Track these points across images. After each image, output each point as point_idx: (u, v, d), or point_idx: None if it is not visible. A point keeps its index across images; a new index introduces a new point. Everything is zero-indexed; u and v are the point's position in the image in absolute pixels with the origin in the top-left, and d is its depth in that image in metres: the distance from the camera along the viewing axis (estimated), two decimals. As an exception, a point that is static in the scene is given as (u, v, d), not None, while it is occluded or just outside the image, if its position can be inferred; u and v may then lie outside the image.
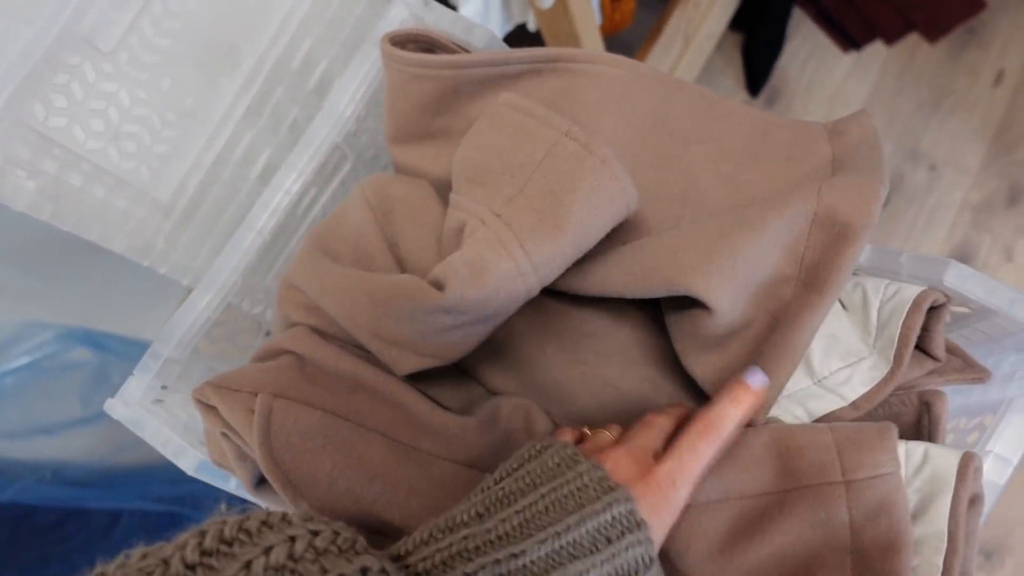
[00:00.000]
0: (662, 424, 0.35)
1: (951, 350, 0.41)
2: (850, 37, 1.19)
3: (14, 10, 0.41)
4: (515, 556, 0.27)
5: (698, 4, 0.97)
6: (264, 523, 0.25)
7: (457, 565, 0.27)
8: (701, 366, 0.38)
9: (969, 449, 0.35)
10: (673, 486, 0.31)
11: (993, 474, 0.38)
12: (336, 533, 0.26)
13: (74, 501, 0.71)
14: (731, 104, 0.42)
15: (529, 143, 0.37)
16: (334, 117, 0.48)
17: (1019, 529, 0.98)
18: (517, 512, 0.29)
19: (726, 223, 0.37)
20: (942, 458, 0.34)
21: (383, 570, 0.25)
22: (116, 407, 0.46)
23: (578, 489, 0.30)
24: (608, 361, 0.41)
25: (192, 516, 0.75)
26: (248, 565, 0.24)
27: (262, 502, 0.41)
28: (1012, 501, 0.98)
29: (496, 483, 0.31)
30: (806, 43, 1.21)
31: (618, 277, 0.38)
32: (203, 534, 0.25)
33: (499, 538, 0.28)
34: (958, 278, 0.38)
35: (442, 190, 0.44)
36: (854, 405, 0.38)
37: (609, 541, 0.28)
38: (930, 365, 0.40)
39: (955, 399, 0.43)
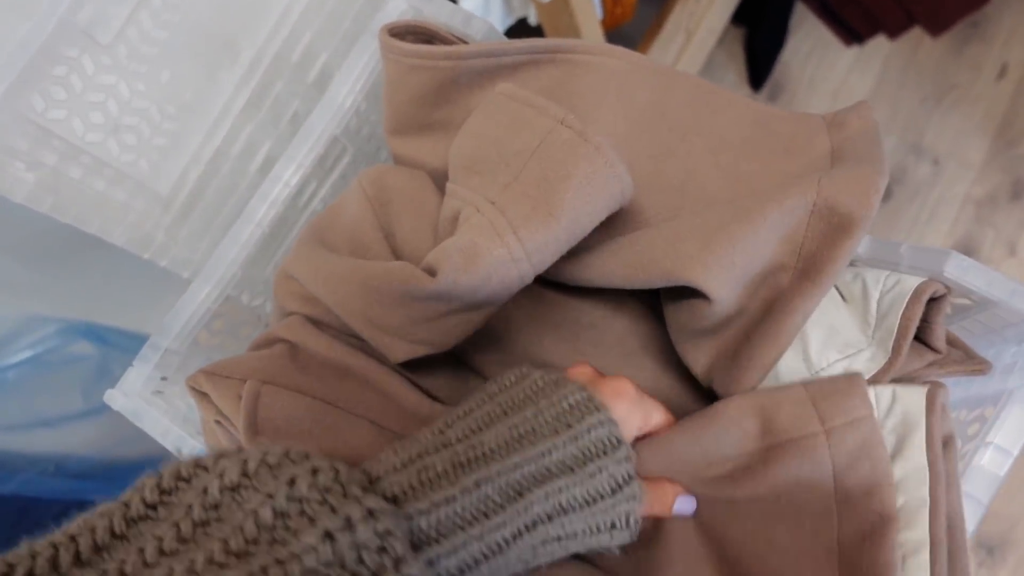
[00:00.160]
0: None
1: (952, 342, 0.41)
2: (853, 31, 1.18)
3: (12, 2, 0.42)
4: (512, 468, 0.29)
5: (700, -2, 0.97)
6: (220, 455, 0.26)
7: (435, 488, 0.28)
8: (693, 352, 0.38)
9: (967, 446, 0.35)
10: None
11: (993, 465, 0.37)
12: (285, 454, 0.26)
13: (76, 494, 0.72)
14: (730, 95, 0.42)
15: (525, 131, 0.37)
16: (333, 109, 0.48)
17: (1021, 523, 0.98)
18: (510, 428, 0.31)
19: (725, 214, 0.37)
20: (910, 395, 0.35)
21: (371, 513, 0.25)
22: (116, 398, 0.46)
23: (562, 405, 0.32)
24: (606, 352, 0.41)
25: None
26: (204, 491, 0.24)
27: None
28: (1014, 496, 0.98)
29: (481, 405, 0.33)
30: (808, 37, 1.20)
31: (617, 268, 0.38)
32: (160, 475, 0.25)
33: (490, 451, 0.29)
34: (958, 269, 0.38)
35: (440, 181, 0.44)
36: None
37: (590, 456, 0.30)
38: (930, 357, 0.40)
39: (955, 390, 0.43)
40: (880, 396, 0.36)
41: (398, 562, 0.24)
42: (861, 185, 0.35)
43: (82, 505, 0.25)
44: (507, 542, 0.28)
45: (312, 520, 0.23)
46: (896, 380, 0.40)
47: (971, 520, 0.36)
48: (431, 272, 0.35)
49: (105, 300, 0.74)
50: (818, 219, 0.36)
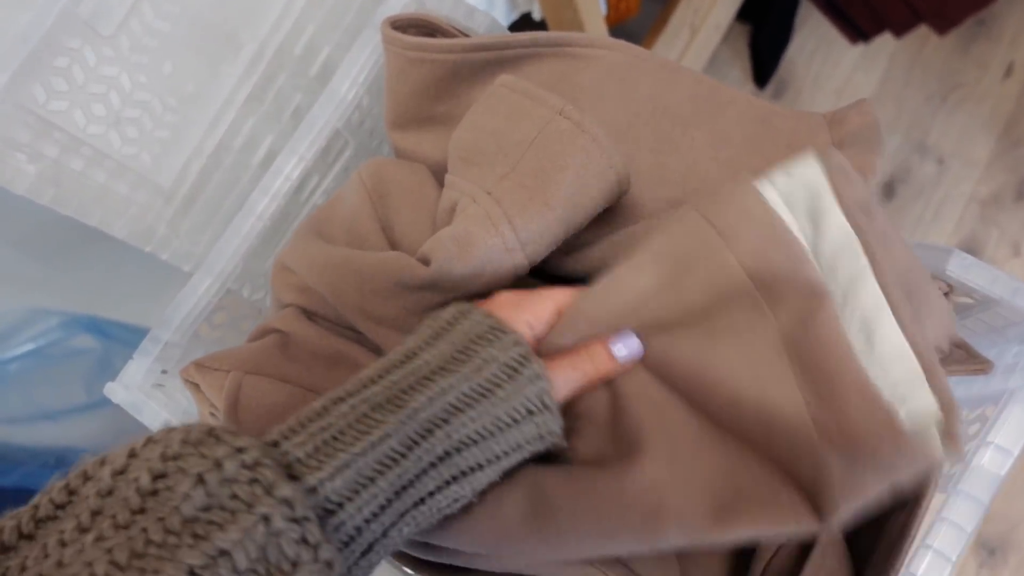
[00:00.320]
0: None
1: (954, 341, 0.41)
2: (858, 29, 1.18)
3: (14, -8, 0.41)
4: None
5: (705, -6, 0.96)
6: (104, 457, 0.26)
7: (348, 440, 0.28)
8: None
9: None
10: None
11: (994, 465, 0.37)
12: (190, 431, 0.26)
13: (77, 486, 0.72)
14: (732, 92, 0.42)
15: (523, 122, 0.37)
16: (335, 102, 0.48)
17: (1023, 525, 0.97)
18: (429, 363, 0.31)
19: None
20: (804, 169, 0.32)
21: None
22: (116, 391, 0.46)
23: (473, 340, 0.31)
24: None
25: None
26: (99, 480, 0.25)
27: None
28: (1016, 497, 0.98)
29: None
30: (814, 34, 1.20)
31: (617, 261, 0.38)
32: (67, 476, 0.26)
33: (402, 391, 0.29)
34: (960, 267, 0.38)
35: (441, 175, 0.44)
36: None
37: (503, 380, 0.30)
38: (932, 355, 0.40)
39: (957, 389, 0.42)
40: (776, 183, 0.32)
41: (316, 548, 0.24)
42: (859, 167, 0.35)
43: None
44: (413, 483, 0.28)
45: (233, 515, 0.24)
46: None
47: (972, 520, 0.36)
48: (425, 262, 0.36)
49: (107, 293, 0.74)
50: None
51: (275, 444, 0.27)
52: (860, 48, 1.18)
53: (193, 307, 0.48)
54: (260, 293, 0.56)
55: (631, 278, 0.33)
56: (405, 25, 0.45)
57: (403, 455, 0.28)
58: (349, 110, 0.49)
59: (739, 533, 0.29)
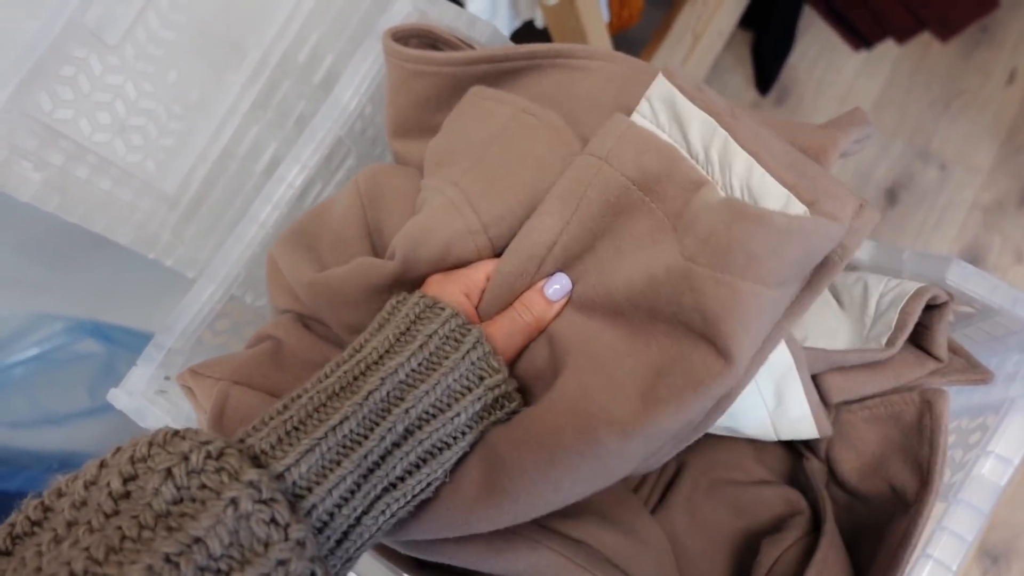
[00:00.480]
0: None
1: (954, 350, 0.41)
2: (861, 35, 1.18)
3: (20, 2, 0.42)
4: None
5: (707, 1, 0.96)
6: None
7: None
8: None
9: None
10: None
11: (994, 475, 0.37)
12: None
13: (80, 491, 0.72)
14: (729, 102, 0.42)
15: (488, 121, 0.39)
16: (338, 110, 0.49)
17: (1026, 532, 0.97)
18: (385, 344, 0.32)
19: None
20: (658, 89, 0.35)
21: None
22: (119, 397, 0.46)
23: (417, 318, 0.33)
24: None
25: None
26: (75, 494, 0.26)
27: None
28: (1020, 505, 0.97)
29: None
30: (816, 41, 1.20)
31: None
32: (42, 494, 0.26)
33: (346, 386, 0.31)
34: (960, 276, 0.38)
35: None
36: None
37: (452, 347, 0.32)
38: (932, 365, 0.40)
39: (957, 398, 0.42)
40: (640, 110, 0.36)
41: (287, 528, 0.25)
42: (825, 139, 0.35)
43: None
44: (380, 464, 0.29)
45: (203, 504, 0.25)
46: (896, 390, 0.40)
47: (972, 529, 0.36)
48: (392, 257, 0.37)
49: (111, 298, 0.74)
50: None
51: (240, 441, 0.29)
52: (863, 55, 1.18)
53: (196, 313, 0.48)
54: (263, 300, 0.56)
55: (540, 222, 0.36)
56: (407, 35, 0.45)
57: (364, 436, 0.29)
58: (352, 119, 0.50)
59: (669, 413, 0.29)
